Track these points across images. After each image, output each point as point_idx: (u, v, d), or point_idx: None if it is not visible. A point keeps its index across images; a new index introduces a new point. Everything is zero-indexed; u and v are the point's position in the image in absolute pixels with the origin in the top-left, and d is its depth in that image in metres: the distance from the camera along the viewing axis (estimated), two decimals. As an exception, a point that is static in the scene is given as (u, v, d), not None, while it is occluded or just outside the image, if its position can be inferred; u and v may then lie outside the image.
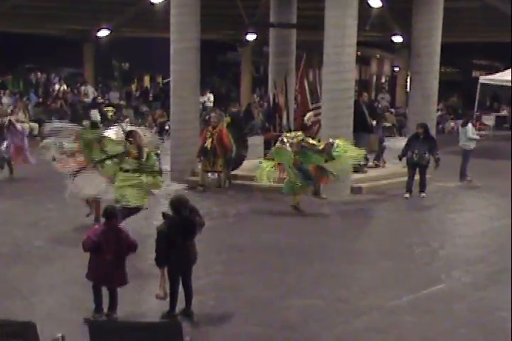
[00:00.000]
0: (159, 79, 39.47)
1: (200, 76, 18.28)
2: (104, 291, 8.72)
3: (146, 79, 40.97)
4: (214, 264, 10.90)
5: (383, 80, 45.93)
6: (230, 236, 12.94)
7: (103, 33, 30.60)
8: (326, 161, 14.58)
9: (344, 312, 9.19)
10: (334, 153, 14.51)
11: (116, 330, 6.90)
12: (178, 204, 8.68)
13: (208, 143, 16.77)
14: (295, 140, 14.65)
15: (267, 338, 8.35)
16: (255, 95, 33.56)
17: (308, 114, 15.91)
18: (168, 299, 8.70)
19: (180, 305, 8.83)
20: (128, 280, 8.71)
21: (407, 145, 16.70)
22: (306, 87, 18.12)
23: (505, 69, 33.20)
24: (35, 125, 26.13)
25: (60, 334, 6.67)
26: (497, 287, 10.28)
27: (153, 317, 8.65)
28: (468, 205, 16.43)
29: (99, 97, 31.55)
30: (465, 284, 10.51)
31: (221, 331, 8.53)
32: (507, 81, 31.38)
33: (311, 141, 14.82)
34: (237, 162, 17.35)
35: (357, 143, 16.75)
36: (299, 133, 15.00)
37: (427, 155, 16.25)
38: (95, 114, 13.11)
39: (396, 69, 40.29)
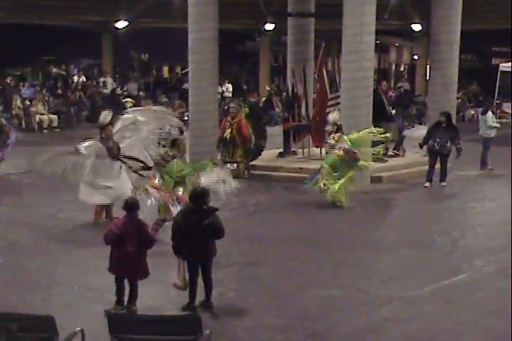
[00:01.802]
0: (178, 70, 39.43)
1: (218, 66, 18.23)
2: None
3: (165, 70, 40.94)
4: (234, 255, 10.86)
5: (402, 69, 45.68)
6: (250, 227, 12.90)
7: (121, 24, 30.59)
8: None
9: (364, 303, 9.14)
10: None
11: (135, 323, 6.88)
12: (195, 194, 8.70)
13: (227, 134, 16.74)
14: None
15: (287, 329, 8.31)
16: (267, 85, 33.37)
17: (333, 116, 15.54)
18: (188, 291, 8.71)
19: (201, 296, 8.82)
20: (149, 273, 8.71)
21: (428, 133, 16.58)
22: (325, 76, 18.04)
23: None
24: (55, 117, 26.22)
25: (78, 328, 6.66)
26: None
27: (172, 310, 8.66)
28: (489, 194, 16.30)
29: (118, 88, 31.55)
30: (487, 274, 10.43)
31: (241, 323, 8.50)
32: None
33: (347, 145, 14.57)
34: (256, 152, 17.30)
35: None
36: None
37: (448, 144, 16.12)
38: (105, 116, 12.91)
39: (415, 57, 40.04)
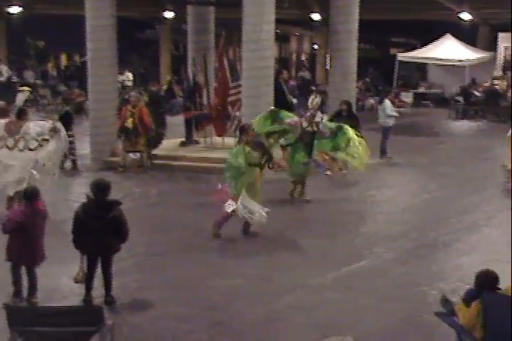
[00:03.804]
0: (77, 58, 38.76)
1: (118, 54, 17.97)
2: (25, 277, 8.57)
3: (63, 58, 40.18)
4: (136, 246, 10.72)
5: (303, 58, 46.05)
6: (153, 217, 12.79)
7: (15, 9, 29.84)
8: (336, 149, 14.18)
9: (268, 291, 9.19)
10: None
11: (36, 315, 6.76)
12: (94, 187, 8.60)
13: (129, 123, 16.54)
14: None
15: (191, 319, 8.30)
16: (168, 75, 33.18)
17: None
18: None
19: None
20: (46, 257, 8.60)
21: (330, 122, 16.70)
22: (226, 65, 18.00)
23: (421, 46, 33.63)
24: None
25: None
26: (418, 262, 10.43)
27: (74, 301, 8.52)
28: (389, 182, 16.58)
29: (14, 76, 30.82)
30: (387, 260, 10.62)
31: (145, 313, 8.46)
32: (423, 58, 31.89)
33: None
34: (157, 141, 17.18)
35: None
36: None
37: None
38: (20, 98, 12.51)
39: (315, 46, 40.42)
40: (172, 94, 27.70)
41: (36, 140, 12.16)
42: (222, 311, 8.54)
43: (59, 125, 12.31)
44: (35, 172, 12.04)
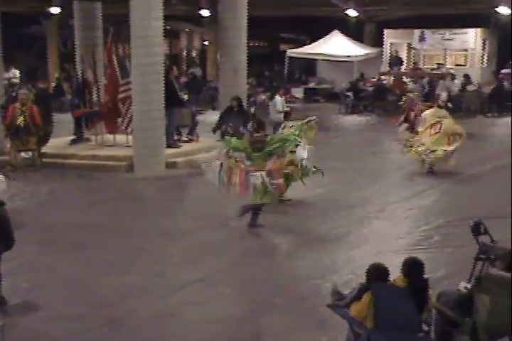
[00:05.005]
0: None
1: (3, 51, 17.56)
2: None
3: None
4: (27, 244, 10.47)
5: (194, 54, 45.99)
6: (44, 216, 12.59)
7: None
8: None
9: (162, 288, 9.17)
10: None
11: None
12: None
13: (21, 121, 16.19)
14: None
15: (84, 318, 8.20)
16: (56, 72, 32.63)
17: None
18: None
19: None
20: None
21: (221, 118, 16.82)
22: (115, 62, 17.81)
23: (311, 42, 34.10)
24: None
25: None
26: (311, 255, 10.52)
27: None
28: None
29: None
30: (280, 254, 10.72)
31: (36, 313, 8.32)
32: (312, 54, 32.34)
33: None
34: (45, 139, 16.90)
35: (169, 118, 16.76)
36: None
37: (241, 128, 16.41)
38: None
39: (206, 43, 40.43)
40: (61, 92, 27.27)
41: None
42: (115, 309, 8.47)
43: None
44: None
